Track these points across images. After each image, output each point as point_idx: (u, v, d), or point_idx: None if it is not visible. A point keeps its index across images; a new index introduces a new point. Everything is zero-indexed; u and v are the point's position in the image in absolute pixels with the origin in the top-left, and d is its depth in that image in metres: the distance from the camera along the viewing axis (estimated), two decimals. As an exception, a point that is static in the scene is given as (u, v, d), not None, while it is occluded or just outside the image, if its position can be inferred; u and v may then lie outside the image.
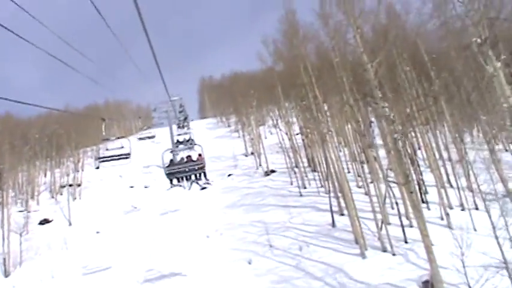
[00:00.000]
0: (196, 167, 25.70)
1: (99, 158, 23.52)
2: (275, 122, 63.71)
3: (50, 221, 59.25)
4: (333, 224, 35.47)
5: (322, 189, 45.60)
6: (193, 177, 26.36)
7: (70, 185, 68.73)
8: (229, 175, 64.46)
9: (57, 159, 77.70)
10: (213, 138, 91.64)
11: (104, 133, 21.86)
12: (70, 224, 56.73)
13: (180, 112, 42.45)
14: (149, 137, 37.08)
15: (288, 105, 55.29)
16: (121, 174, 74.39)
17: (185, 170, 25.50)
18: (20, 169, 71.83)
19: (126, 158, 23.54)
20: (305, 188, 48.44)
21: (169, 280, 33.57)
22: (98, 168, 79.06)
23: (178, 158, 27.85)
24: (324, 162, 44.43)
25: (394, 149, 24.55)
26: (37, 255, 46.52)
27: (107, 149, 25.50)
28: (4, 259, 43.32)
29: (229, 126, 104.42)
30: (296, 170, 51.72)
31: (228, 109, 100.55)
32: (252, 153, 71.61)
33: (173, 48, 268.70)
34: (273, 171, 60.31)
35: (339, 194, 37.85)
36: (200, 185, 29.27)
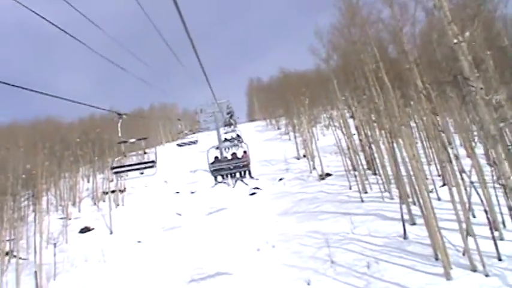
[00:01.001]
0: (241, 165, 26.72)
1: (114, 167, 17.22)
2: (329, 121, 58.90)
3: (91, 229, 55.90)
4: (405, 236, 29.62)
5: (387, 194, 39.78)
6: (238, 174, 27.78)
7: (113, 191, 65.20)
8: (280, 179, 59.36)
9: (100, 164, 73.81)
10: (263, 141, 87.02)
11: (120, 134, 16.81)
12: (111, 233, 53.27)
13: (228, 114, 41.18)
14: (191, 143, 32.77)
15: (345, 101, 49.17)
16: (166, 179, 70.62)
17: (230, 167, 26.57)
18: (61, 175, 68.92)
19: (151, 167, 17.59)
20: (366, 192, 42.55)
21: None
22: (142, 173, 77.73)
23: (225, 155, 28.51)
24: (389, 162, 39.21)
25: (501, 142, 18.99)
26: (73, 267, 42.77)
27: (124, 155, 19.04)
28: (35, 272, 39.59)
29: (278, 128, 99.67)
30: (355, 172, 45.96)
31: (278, 111, 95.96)
32: (305, 156, 66.53)
33: (222, 54, 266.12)
34: (328, 174, 54.71)
35: (410, 200, 32.60)
36: (245, 183, 30.27)
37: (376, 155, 43.81)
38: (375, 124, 43.03)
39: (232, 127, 40.36)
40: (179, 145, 30.83)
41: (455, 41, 19.31)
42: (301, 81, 68.09)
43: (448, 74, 27.29)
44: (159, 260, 38.44)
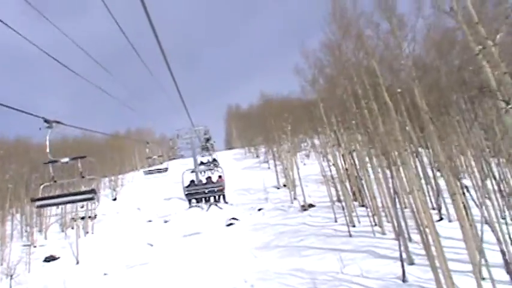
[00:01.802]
0: (215, 189, 27.68)
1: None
2: (311, 149, 55.25)
3: (57, 258, 50.88)
4: (404, 278, 25.47)
5: (378, 228, 35.68)
6: (212, 199, 29.29)
7: (82, 218, 60.40)
8: (259, 209, 54.66)
9: (69, 190, 68.64)
10: (241, 170, 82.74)
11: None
12: (77, 263, 48.23)
13: (206, 138, 39.65)
14: (159, 170, 29.71)
15: (330, 126, 44.77)
16: (139, 206, 66.06)
17: (204, 191, 27.77)
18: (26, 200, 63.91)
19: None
20: (354, 226, 38.37)
21: None
22: (115, 199, 73.42)
23: (200, 179, 28.27)
24: (379, 193, 35.28)
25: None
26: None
27: (54, 181, 21.43)
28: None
29: (257, 156, 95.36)
30: (341, 204, 41.61)
31: (257, 138, 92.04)
32: (285, 185, 62.42)
33: (201, 81, 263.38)
34: (311, 205, 50.37)
35: (408, 236, 28.69)
36: (220, 207, 32.07)
37: (365, 185, 39.39)
38: (364, 152, 39.01)
39: (209, 152, 38.53)
40: (146, 173, 27.55)
41: (479, 47, 15.60)
42: (283, 106, 64.31)
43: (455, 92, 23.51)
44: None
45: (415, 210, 24.67)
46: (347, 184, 44.52)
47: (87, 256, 48.52)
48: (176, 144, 61.18)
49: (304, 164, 75.46)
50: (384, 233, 34.42)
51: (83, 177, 14.11)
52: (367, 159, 39.56)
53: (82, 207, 63.43)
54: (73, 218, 60.08)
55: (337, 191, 46.44)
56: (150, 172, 27.92)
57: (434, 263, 22.25)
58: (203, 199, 30.93)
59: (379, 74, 24.29)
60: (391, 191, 28.90)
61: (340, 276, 28.03)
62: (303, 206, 50.36)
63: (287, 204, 54.62)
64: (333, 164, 44.16)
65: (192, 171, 29.39)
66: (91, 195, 12.84)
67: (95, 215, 63.65)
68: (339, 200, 46.55)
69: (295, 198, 55.13)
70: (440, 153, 21.39)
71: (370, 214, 37.91)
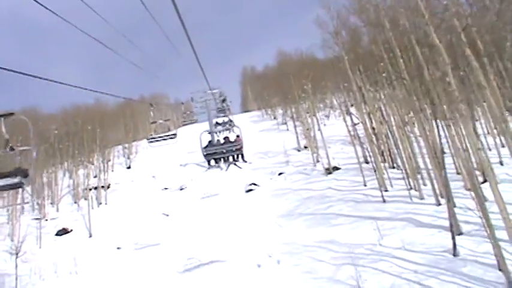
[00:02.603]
0: (234, 148, 26.04)
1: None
2: (331, 109, 51.07)
3: (69, 231, 48.16)
4: (455, 251, 21.56)
5: (415, 192, 31.68)
6: (231, 158, 27.03)
7: (95, 188, 57.33)
8: (280, 174, 51.12)
9: (81, 159, 65.14)
10: (258, 132, 78.31)
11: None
12: (90, 236, 45.65)
13: (223, 101, 37.98)
14: (166, 137, 25.95)
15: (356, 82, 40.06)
16: (155, 174, 62.74)
17: (223, 151, 25.98)
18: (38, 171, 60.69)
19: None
20: (386, 190, 34.27)
21: None
22: (129, 168, 70.03)
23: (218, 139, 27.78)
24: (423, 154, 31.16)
25: None
26: (41, 279, 35.20)
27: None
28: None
29: (275, 118, 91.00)
30: (372, 165, 37.47)
31: (274, 99, 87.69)
32: (306, 147, 58.43)
33: (216, 44, 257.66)
34: (336, 168, 46.60)
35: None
36: (239, 167, 30.27)
37: (401, 145, 34.92)
38: (398, 107, 34.70)
39: (225, 113, 35.91)
40: (150, 141, 23.77)
41: None
42: (302, 63, 59.66)
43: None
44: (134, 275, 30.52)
45: (462, 171, 20.58)
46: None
47: (100, 229, 45.82)
48: (190, 108, 57.57)
49: (324, 125, 71.15)
50: (422, 198, 30.42)
51: (13, 149, 9.47)
52: (393, 118, 35.37)
53: (95, 176, 60.44)
54: (86, 188, 57.05)
55: (365, 151, 42.30)
56: (154, 139, 23.80)
57: (494, 233, 18.42)
58: (222, 159, 27.18)
59: (424, 11, 19.79)
60: (433, 150, 24.80)
61: (379, 249, 24.21)
62: (327, 168, 46.41)
63: (310, 168, 50.76)
64: (361, 122, 39.76)
65: (210, 132, 28.78)
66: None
67: (109, 185, 60.61)
68: (366, 162, 42.75)
69: (318, 161, 51.32)
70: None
71: (404, 176, 33.96)
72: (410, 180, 32.79)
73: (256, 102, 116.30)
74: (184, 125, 73.32)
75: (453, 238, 21.41)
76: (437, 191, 28.41)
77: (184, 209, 45.52)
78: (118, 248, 39.08)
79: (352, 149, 44.37)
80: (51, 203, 57.38)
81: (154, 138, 23.00)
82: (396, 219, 27.66)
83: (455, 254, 21.28)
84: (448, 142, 27.40)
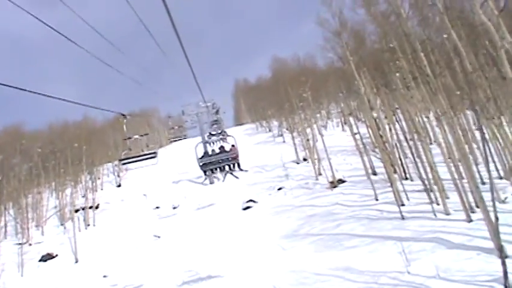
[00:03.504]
0: (229, 157, 26.49)
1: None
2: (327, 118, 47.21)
3: (54, 257, 43.56)
4: (506, 281, 17.02)
5: (438, 207, 27.31)
6: (227, 167, 27.69)
7: (82, 209, 52.96)
8: (279, 189, 46.58)
9: (67, 178, 60.65)
10: (253, 145, 73.97)
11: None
12: (76, 261, 41.11)
13: (216, 113, 37.21)
14: (145, 157, 21.54)
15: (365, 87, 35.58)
16: (145, 192, 58.39)
17: (219, 161, 26.62)
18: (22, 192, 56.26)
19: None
20: (403, 205, 29.93)
21: None
22: (119, 186, 65.74)
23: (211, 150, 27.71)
24: (463, 158, 26.67)
25: None
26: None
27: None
28: None
29: (270, 130, 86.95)
30: (375, 178, 33.31)
31: (269, 111, 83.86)
32: (305, 160, 54.22)
33: (209, 57, 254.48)
34: (341, 180, 42.27)
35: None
36: (235, 176, 31.78)
37: (423, 152, 30.14)
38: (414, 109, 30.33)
39: (218, 125, 33.93)
40: (123, 162, 20.17)
41: None
42: (300, 70, 55.58)
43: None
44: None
45: None
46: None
47: (87, 253, 41.51)
48: (179, 123, 53.92)
49: (322, 136, 67.13)
50: (448, 213, 26.05)
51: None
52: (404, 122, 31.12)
53: (83, 196, 56.21)
54: (75, 209, 52.63)
55: (372, 162, 38.20)
56: (127, 161, 19.37)
57: None
58: (218, 169, 27.59)
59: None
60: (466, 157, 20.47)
61: (408, 278, 19.52)
62: (331, 182, 42.00)
63: (311, 181, 46.28)
64: (369, 128, 35.56)
65: (206, 143, 29.92)
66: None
67: (97, 205, 56.20)
68: (374, 173, 38.58)
69: (320, 174, 46.86)
70: None
71: (422, 189, 29.56)
72: (432, 193, 28.37)
73: (249, 115, 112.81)
74: (172, 141, 69.01)
75: (503, 264, 16.94)
76: (467, 205, 24.17)
77: (176, 230, 41.30)
78: (104, 276, 34.78)
79: (356, 159, 40.49)
80: (36, 226, 52.88)
81: (128, 158, 18.59)
82: (422, 239, 23.11)
83: (506, 285, 16.81)
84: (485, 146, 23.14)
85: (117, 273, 34.27)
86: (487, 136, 21.16)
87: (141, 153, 19.68)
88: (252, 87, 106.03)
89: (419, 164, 30.28)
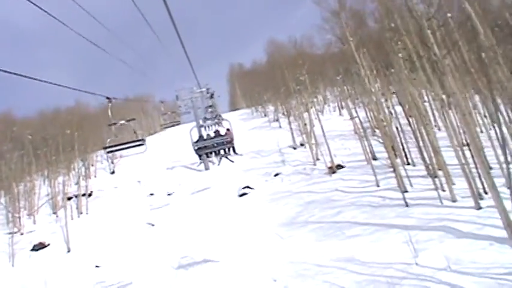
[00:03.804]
0: (224, 141, 26.10)
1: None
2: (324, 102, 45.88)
3: (46, 246, 42.20)
4: None
5: (444, 193, 25.86)
6: (222, 152, 27.04)
7: (75, 196, 51.53)
8: (276, 175, 45.28)
9: (59, 165, 59.13)
10: (249, 130, 72.81)
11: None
12: (68, 251, 39.74)
13: (211, 96, 35.80)
14: (131, 144, 19.88)
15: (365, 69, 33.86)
16: (140, 179, 56.98)
17: (213, 145, 26.08)
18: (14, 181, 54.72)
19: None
20: (406, 191, 28.38)
21: None
22: (113, 173, 64.35)
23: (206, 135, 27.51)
24: (472, 142, 25.04)
25: None
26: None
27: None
28: None
29: (266, 115, 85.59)
30: (376, 163, 32.05)
31: (264, 96, 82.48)
32: (302, 145, 52.89)
33: (204, 43, 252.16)
34: (340, 166, 40.86)
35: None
36: (230, 160, 29.88)
37: (427, 137, 28.63)
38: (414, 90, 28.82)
39: (213, 109, 34.41)
40: (107, 150, 18.54)
41: None
42: (296, 53, 53.84)
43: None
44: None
45: None
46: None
47: (80, 242, 40.01)
48: (172, 108, 52.46)
49: (319, 121, 65.86)
50: (454, 200, 24.69)
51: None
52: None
53: (76, 183, 54.73)
54: (68, 197, 51.19)
55: (371, 146, 36.96)
56: (112, 149, 17.75)
57: None
58: (213, 153, 27.37)
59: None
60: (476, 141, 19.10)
61: (416, 270, 18.13)
62: (330, 167, 40.60)
63: (309, 167, 44.96)
64: (371, 111, 34.26)
65: (201, 126, 30.13)
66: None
67: (91, 192, 54.82)
68: (374, 158, 37.35)
69: (318, 159, 45.54)
70: None
71: (426, 174, 28.26)
72: (437, 179, 26.97)
73: (245, 100, 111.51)
74: (165, 127, 67.51)
75: (521, 256, 15.65)
76: (475, 192, 22.86)
77: (171, 217, 40.11)
78: (97, 267, 33.55)
79: (354, 144, 39.23)
80: (28, 215, 51.48)
81: (112, 146, 16.95)
82: (428, 228, 21.72)
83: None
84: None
85: (110, 262, 33.15)
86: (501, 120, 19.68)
87: (127, 140, 16.99)
88: (247, 72, 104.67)
89: (423, 149, 28.85)
